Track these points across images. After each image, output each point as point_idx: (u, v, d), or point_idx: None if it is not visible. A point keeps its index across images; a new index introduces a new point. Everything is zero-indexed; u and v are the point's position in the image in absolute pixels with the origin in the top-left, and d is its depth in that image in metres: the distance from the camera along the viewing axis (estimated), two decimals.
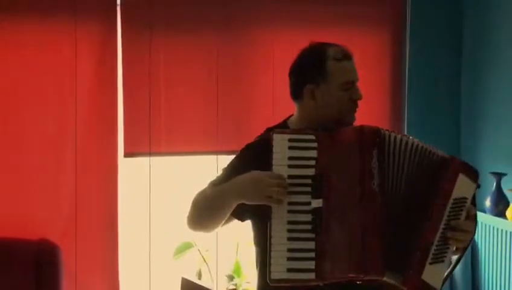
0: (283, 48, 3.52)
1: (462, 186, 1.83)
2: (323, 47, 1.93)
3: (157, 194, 3.67)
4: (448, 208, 1.81)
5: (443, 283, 1.84)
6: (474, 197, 1.88)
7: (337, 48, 1.92)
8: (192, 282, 3.35)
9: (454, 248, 1.85)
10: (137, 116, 3.52)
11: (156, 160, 3.62)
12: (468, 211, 1.85)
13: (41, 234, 3.38)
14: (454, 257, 1.88)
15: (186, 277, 3.39)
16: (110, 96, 3.50)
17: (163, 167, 3.69)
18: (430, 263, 1.77)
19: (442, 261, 1.81)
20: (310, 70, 1.92)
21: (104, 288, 3.50)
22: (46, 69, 3.43)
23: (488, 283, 3.37)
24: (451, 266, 1.88)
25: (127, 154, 3.54)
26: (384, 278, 1.73)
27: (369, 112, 3.67)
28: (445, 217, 1.80)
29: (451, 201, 1.81)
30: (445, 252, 1.81)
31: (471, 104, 3.79)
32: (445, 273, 1.85)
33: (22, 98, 3.41)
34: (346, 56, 1.92)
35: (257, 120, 3.54)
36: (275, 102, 3.54)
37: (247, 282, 3.63)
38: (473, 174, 1.87)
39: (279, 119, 2.02)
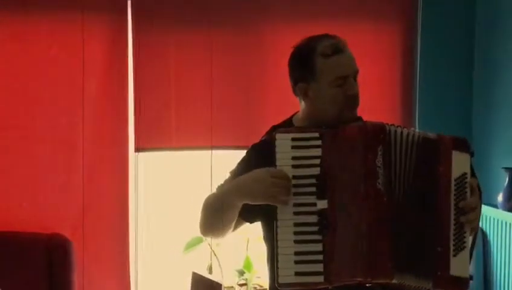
0: (293, 42, 3.50)
1: (458, 163, 1.76)
2: (312, 43, 1.87)
3: (168, 189, 3.68)
4: (452, 192, 1.75)
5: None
6: (471, 168, 1.82)
7: (326, 42, 1.85)
8: (203, 276, 3.36)
9: (469, 230, 1.79)
10: (148, 111, 3.52)
11: (165, 155, 3.62)
12: (470, 184, 1.79)
13: (53, 228, 3.39)
14: (470, 238, 1.82)
15: (197, 271, 3.40)
16: (121, 90, 3.50)
17: (173, 161, 3.69)
18: (454, 255, 1.73)
19: (464, 247, 1.76)
20: (299, 69, 1.89)
21: (115, 282, 3.52)
22: (57, 64, 3.43)
23: (501, 278, 3.35)
24: (470, 247, 1.82)
25: (138, 149, 3.54)
26: (394, 281, 1.70)
27: (380, 105, 3.69)
28: (452, 203, 1.75)
29: (453, 183, 1.75)
30: (464, 238, 1.76)
31: (483, 99, 3.76)
32: (469, 258, 1.80)
33: (32, 93, 3.42)
34: (337, 50, 1.84)
35: (268, 114, 3.53)
36: (286, 96, 3.52)
37: (257, 277, 3.63)
38: (464, 145, 1.80)
39: (290, 114, 2.00)
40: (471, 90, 3.83)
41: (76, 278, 3.34)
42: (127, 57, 3.50)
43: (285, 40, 3.52)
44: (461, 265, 1.75)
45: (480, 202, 1.84)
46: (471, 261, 1.83)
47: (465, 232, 1.76)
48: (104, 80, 3.48)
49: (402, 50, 3.78)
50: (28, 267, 3.27)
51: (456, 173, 1.76)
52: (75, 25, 3.43)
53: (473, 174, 1.84)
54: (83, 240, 3.44)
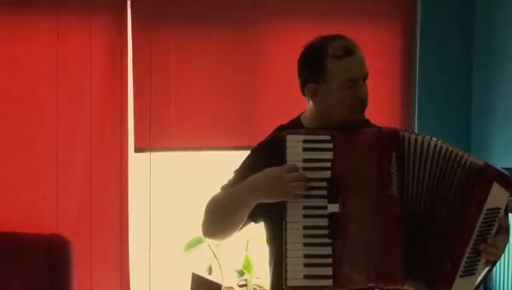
0: (293, 42, 3.50)
1: (495, 196, 1.76)
2: (324, 43, 1.84)
3: (168, 189, 3.68)
4: (481, 219, 1.74)
5: None
6: (507, 207, 1.81)
7: (338, 44, 1.83)
8: (203, 277, 3.36)
9: (485, 261, 1.79)
10: (148, 112, 3.52)
11: (167, 155, 3.63)
12: (500, 222, 1.79)
13: (52, 228, 3.38)
14: (484, 269, 1.81)
15: (196, 272, 3.40)
16: (121, 91, 3.49)
17: (174, 162, 3.70)
18: (461, 276, 1.72)
19: (473, 273, 1.75)
20: (310, 69, 1.86)
21: (115, 282, 3.51)
22: (58, 64, 3.42)
23: (501, 281, 3.34)
24: (480, 278, 1.81)
25: (138, 150, 3.54)
26: (405, 287, 1.70)
27: (379, 106, 3.68)
28: (477, 228, 1.74)
29: (484, 211, 1.74)
30: (476, 265, 1.75)
31: (482, 98, 3.76)
32: (474, 286, 1.79)
33: (34, 92, 3.41)
34: (348, 52, 1.81)
35: (269, 115, 3.53)
36: (286, 96, 3.53)
37: (257, 277, 3.63)
38: (507, 182, 1.79)
39: (291, 114, 1.99)
40: (471, 90, 3.83)
41: (76, 278, 3.34)
42: (127, 57, 3.50)
43: (286, 40, 3.58)
44: (464, 288, 1.74)
45: (507, 243, 1.83)
46: None
47: (479, 261, 1.76)
48: (103, 80, 3.48)
49: (401, 50, 3.78)
50: (27, 268, 3.26)
51: (490, 203, 1.75)
52: (75, 25, 3.43)
53: (507, 215, 1.83)
54: (83, 240, 3.43)
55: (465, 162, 1.76)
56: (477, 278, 1.79)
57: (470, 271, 1.75)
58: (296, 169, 1.71)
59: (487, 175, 1.76)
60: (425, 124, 3.71)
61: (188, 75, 3.55)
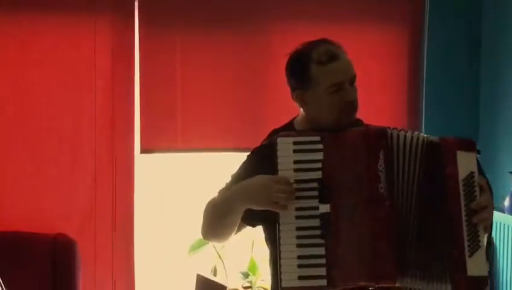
0: (299, 43, 3.50)
1: (464, 163, 1.76)
2: (308, 50, 1.86)
3: (174, 190, 3.68)
4: (461, 193, 1.74)
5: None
6: (479, 166, 1.81)
7: (322, 49, 1.84)
8: (207, 279, 3.36)
9: (483, 228, 1.78)
10: (154, 113, 3.53)
11: (173, 156, 3.63)
12: (479, 183, 1.78)
13: (58, 228, 3.40)
14: (485, 236, 1.80)
15: (201, 273, 3.40)
16: (127, 92, 3.51)
17: (180, 163, 3.70)
18: (470, 256, 1.72)
19: (479, 246, 1.75)
20: (295, 77, 1.89)
21: (120, 283, 3.52)
22: (64, 65, 3.44)
23: (507, 284, 3.33)
24: (486, 245, 1.81)
25: (144, 151, 3.55)
26: (397, 284, 1.70)
27: (386, 107, 3.68)
28: (463, 204, 1.74)
29: (461, 184, 1.74)
30: (478, 238, 1.75)
31: (489, 102, 3.74)
32: (486, 257, 1.78)
33: (40, 93, 3.43)
34: (333, 57, 1.82)
35: (274, 117, 3.52)
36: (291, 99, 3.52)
37: (262, 280, 3.62)
38: (469, 145, 1.80)
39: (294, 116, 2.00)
40: (478, 94, 3.82)
41: (80, 278, 3.34)
42: (134, 58, 3.51)
43: (292, 41, 3.55)
44: (478, 265, 1.74)
45: (492, 199, 1.83)
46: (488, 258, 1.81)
47: (478, 232, 1.76)
48: (110, 81, 3.49)
49: (409, 52, 3.78)
50: (32, 268, 3.27)
51: (462, 173, 1.76)
52: (83, 26, 3.44)
53: (481, 173, 1.83)
54: (88, 240, 3.44)
55: (432, 145, 1.76)
56: (484, 248, 1.78)
57: (476, 246, 1.74)
58: (285, 181, 1.73)
59: (446, 150, 1.76)
60: (432, 129, 3.68)
61: (194, 76, 3.56)
